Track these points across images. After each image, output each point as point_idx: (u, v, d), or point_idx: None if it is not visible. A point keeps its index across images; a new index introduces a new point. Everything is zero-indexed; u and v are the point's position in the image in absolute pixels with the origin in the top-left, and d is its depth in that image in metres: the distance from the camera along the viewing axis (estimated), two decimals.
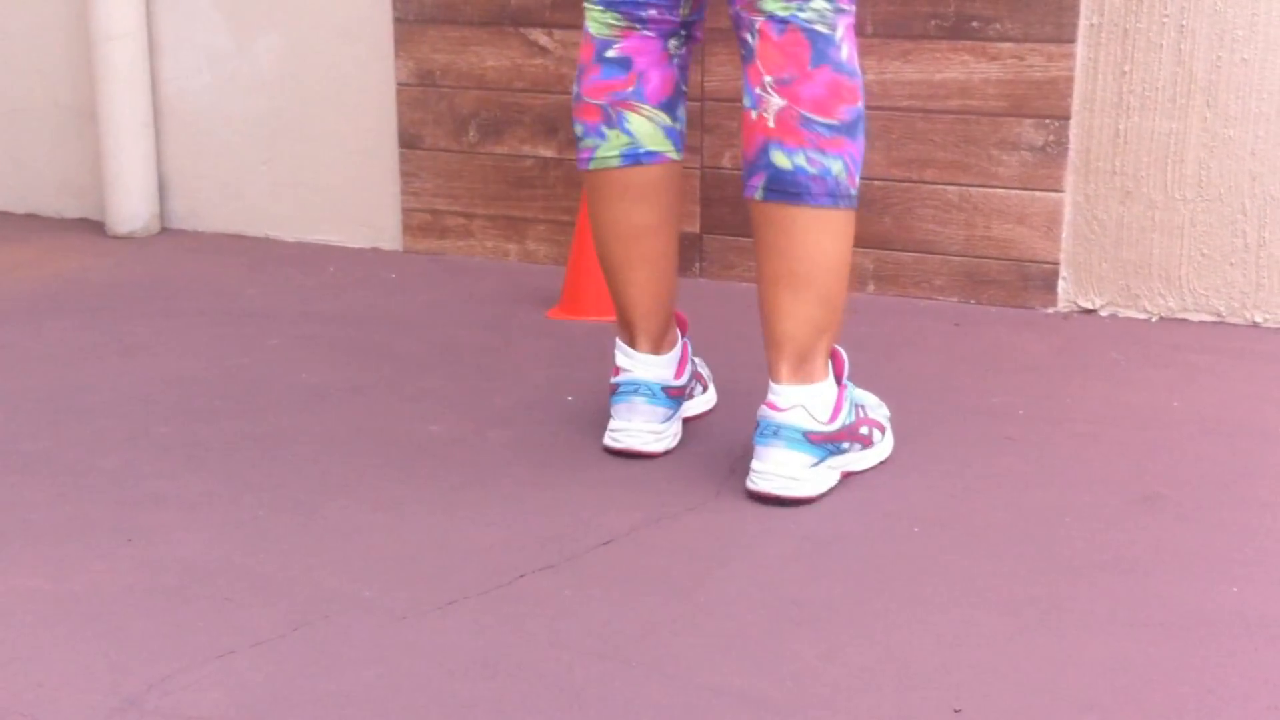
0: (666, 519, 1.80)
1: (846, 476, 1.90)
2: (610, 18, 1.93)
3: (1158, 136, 2.53)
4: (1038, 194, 2.62)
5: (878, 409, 2.00)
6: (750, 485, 1.84)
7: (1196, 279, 2.56)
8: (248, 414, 2.19)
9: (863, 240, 2.76)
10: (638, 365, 2.00)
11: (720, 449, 2.02)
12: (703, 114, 2.81)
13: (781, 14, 1.77)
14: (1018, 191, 2.64)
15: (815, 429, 1.82)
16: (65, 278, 2.99)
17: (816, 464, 1.84)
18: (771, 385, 1.84)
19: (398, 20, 3.05)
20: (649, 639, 1.52)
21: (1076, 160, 2.59)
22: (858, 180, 1.82)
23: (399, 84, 3.08)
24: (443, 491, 1.90)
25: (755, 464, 1.84)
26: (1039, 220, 2.63)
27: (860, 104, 1.80)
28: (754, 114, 1.81)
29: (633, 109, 1.95)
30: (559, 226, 3.00)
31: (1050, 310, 2.65)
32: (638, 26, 1.92)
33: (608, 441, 2.01)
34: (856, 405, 1.93)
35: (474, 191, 3.07)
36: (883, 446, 1.97)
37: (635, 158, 1.96)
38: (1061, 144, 2.59)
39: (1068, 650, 1.48)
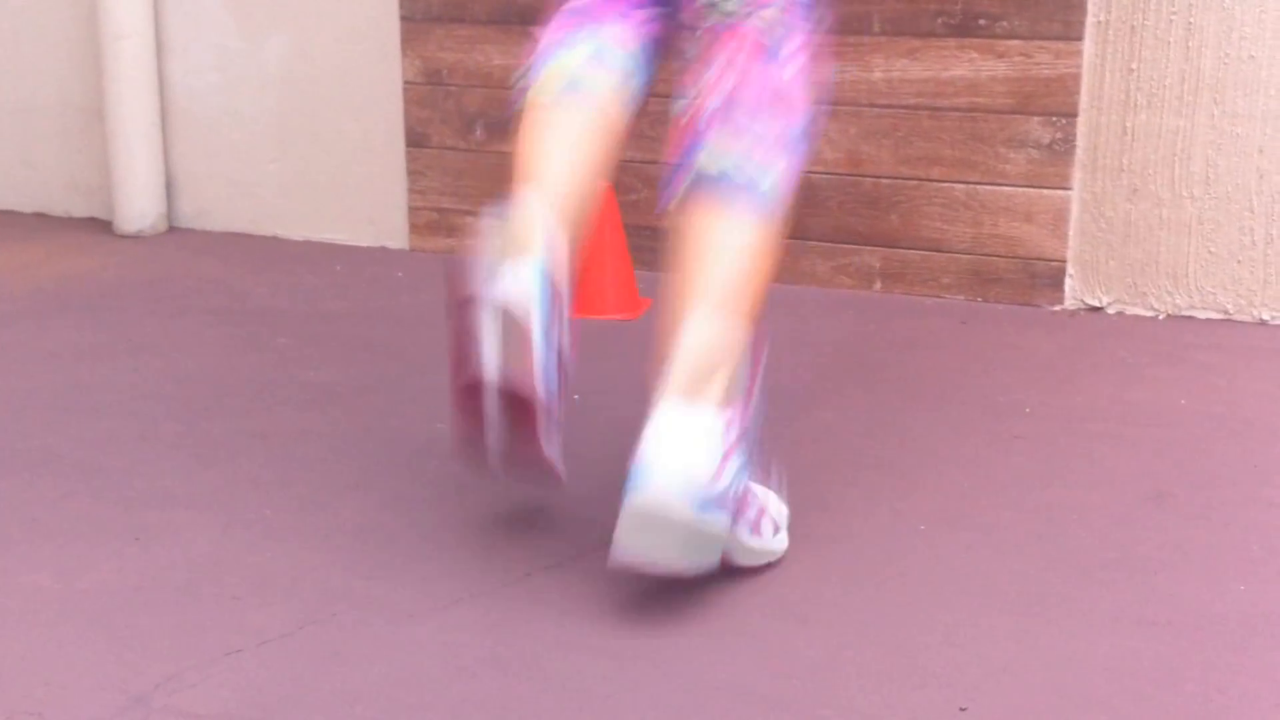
0: None
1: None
2: None
3: (1165, 134, 2.53)
4: (1045, 192, 2.62)
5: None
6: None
7: (1204, 276, 2.55)
8: (255, 412, 2.19)
9: (870, 238, 2.76)
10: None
11: None
12: None
13: (730, 17, 1.61)
14: (1025, 189, 2.64)
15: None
16: (73, 276, 3.00)
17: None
18: None
19: (405, 19, 3.06)
20: (656, 637, 1.52)
21: (1084, 158, 2.59)
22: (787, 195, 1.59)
23: (406, 83, 3.08)
24: (450, 489, 1.90)
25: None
26: (1046, 218, 2.63)
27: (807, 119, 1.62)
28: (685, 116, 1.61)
29: (577, 45, 1.64)
30: None
31: (1057, 308, 2.65)
32: None
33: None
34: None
35: (481, 190, 3.07)
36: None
37: (574, 88, 1.63)
38: (1069, 141, 2.58)
39: (1076, 649, 1.48)
